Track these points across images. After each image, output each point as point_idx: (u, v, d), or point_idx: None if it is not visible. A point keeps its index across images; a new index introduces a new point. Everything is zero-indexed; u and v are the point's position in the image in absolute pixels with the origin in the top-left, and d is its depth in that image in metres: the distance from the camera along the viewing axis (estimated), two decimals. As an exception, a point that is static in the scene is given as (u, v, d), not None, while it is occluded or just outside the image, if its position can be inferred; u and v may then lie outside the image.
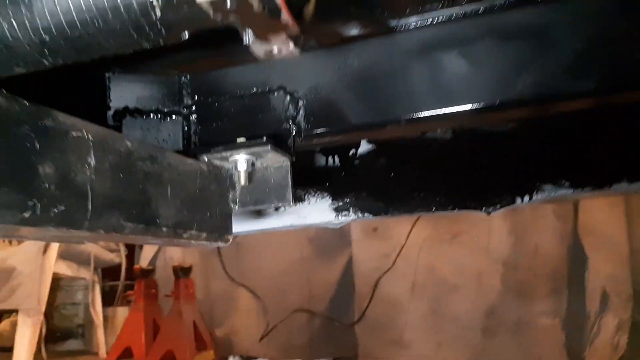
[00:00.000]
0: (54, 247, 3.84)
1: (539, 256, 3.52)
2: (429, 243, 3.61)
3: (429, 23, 1.02)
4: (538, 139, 1.55)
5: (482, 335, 3.60)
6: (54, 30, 0.53)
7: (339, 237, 3.89)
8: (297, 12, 0.51)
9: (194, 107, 1.14)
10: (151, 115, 1.18)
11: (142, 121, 1.16)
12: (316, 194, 1.70)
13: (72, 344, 4.52)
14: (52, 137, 0.66)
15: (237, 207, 1.03)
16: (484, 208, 1.58)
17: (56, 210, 0.64)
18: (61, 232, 0.66)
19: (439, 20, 1.01)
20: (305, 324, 3.99)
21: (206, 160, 0.98)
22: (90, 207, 0.69)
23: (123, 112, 1.16)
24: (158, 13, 0.50)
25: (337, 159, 1.68)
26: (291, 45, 0.54)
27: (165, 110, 1.16)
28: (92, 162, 0.71)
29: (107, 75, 1.19)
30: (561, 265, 3.52)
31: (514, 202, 1.56)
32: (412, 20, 1.04)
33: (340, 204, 1.67)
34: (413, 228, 3.59)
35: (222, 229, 1.01)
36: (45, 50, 0.56)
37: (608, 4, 0.94)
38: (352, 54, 1.06)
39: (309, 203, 1.70)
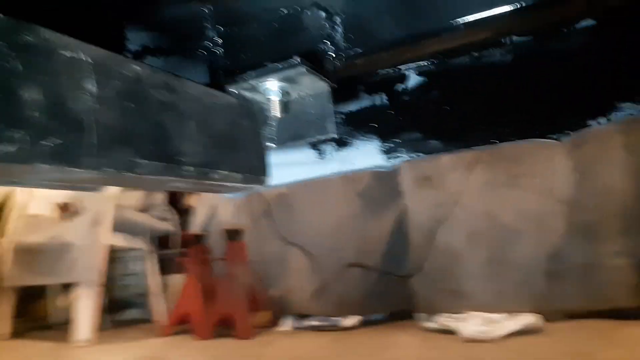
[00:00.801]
0: (107, 220, 3.89)
1: (607, 194, 3.25)
2: (488, 188, 3.40)
3: None
4: (609, 53, 1.35)
5: (546, 280, 3.41)
6: None
7: (389, 190, 3.73)
8: None
9: (219, 40, 1.01)
10: (173, 53, 1.06)
11: (163, 61, 1.04)
12: (364, 137, 1.56)
13: (133, 313, 4.64)
14: (36, 57, 0.54)
15: (273, 144, 0.90)
16: (553, 135, 1.42)
17: (50, 144, 0.53)
18: (60, 171, 0.55)
19: None
20: (359, 279, 3.91)
21: (235, 92, 0.85)
22: (93, 140, 0.58)
23: (142, 53, 1.05)
24: None
25: (384, 96, 1.53)
26: None
27: (188, 46, 1.04)
28: (93, 88, 0.60)
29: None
30: (633, 202, 3.25)
31: (586, 125, 1.38)
32: None
33: (391, 145, 1.53)
34: (470, 173, 3.37)
35: (257, 169, 0.89)
36: None
37: None
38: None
39: (356, 147, 1.57)
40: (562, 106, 1.38)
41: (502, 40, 1.42)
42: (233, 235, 3.79)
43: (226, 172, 0.80)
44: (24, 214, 4.12)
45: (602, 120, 1.32)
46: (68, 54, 0.58)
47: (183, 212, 4.95)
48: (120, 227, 4.03)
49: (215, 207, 4.60)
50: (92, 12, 0.98)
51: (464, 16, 0.93)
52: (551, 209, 3.34)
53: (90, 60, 0.60)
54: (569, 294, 3.35)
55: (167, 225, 4.66)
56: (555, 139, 1.38)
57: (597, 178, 3.25)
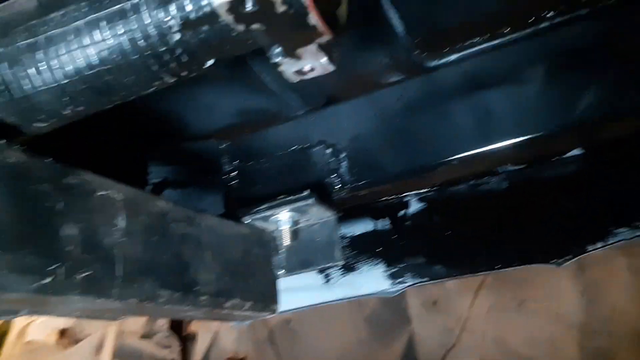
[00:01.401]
0: (108, 347, 3.78)
1: (617, 318, 3.20)
2: (495, 313, 3.35)
3: (471, 55, 0.96)
4: (602, 179, 1.43)
5: (564, 413, 3.23)
6: (72, 71, 0.49)
7: (397, 315, 3.67)
8: (328, 16, 0.46)
9: (234, 173, 1.10)
10: (191, 185, 1.14)
11: (181, 192, 1.12)
12: (368, 261, 1.60)
13: None
14: (76, 197, 0.61)
15: (282, 271, 0.94)
16: (552, 260, 1.45)
17: (82, 276, 0.58)
18: (89, 302, 0.59)
19: (483, 50, 0.96)
20: (368, 412, 3.70)
21: (248, 221, 0.91)
22: (120, 272, 0.63)
23: (162, 185, 1.13)
24: (177, 36, 0.46)
25: (387, 221, 1.59)
26: (324, 58, 0.48)
27: (205, 179, 1.12)
28: (122, 223, 0.66)
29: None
30: (644, 326, 3.17)
31: (584, 251, 1.42)
32: (454, 57, 0.98)
33: (395, 269, 1.56)
34: (476, 297, 3.35)
35: (267, 297, 0.92)
36: (65, 96, 0.52)
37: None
38: (391, 98, 1.01)
39: (361, 272, 1.60)
40: (560, 232, 1.43)
41: (497, 169, 1.50)
42: (236, 363, 3.65)
43: (238, 301, 0.83)
44: (21, 340, 4.02)
45: (600, 245, 1.36)
46: (102, 192, 0.64)
47: (185, 339, 4.82)
48: (121, 354, 3.90)
49: (217, 334, 4.49)
50: (118, 150, 1.08)
51: (459, 153, 1.01)
52: (561, 335, 3.27)
53: (120, 197, 0.67)
54: None
55: (169, 352, 4.51)
56: (556, 264, 1.42)
57: (605, 302, 3.22)
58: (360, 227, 1.60)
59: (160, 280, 0.66)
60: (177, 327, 4.78)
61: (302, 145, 1.05)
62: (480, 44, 0.95)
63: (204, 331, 4.64)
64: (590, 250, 1.42)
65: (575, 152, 1.44)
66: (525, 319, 3.26)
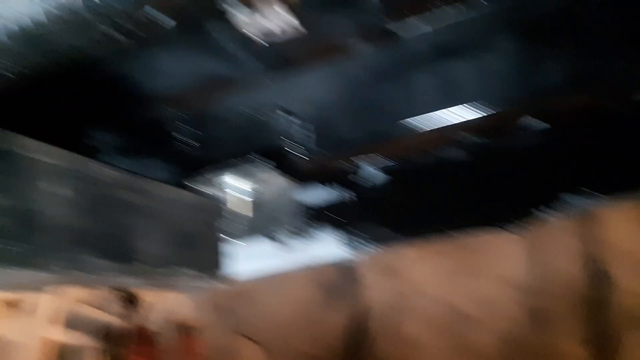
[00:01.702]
0: (56, 316, 3.67)
1: (558, 279, 3.36)
2: (445, 276, 3.45)
3: (439, 22, 0.94)
4: (555, 149, 1.47)
5: (505, 368, 3.41)
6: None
7: (351, 279, 3.73)
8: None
9: (186, 138, 1.04)
10: (140, 151, 1.09)
11: (129, 158, 1.06)
12: (326, 229, 1.60)
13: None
14: (7, 162, 0.55)
15: (232, 239, 0.91)
16: (503, 225, 1.49)
17: (14, 249, 0.53)
18: (22, 274, 0.54)
19: (450, 17, 0.93)
20: (320, 373, 3.78)
21: (198, 188, 0.87)
22: (57, 242, 0.58)
23: (107, 151, 1.06)
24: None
25: (346, 190, 1.59)
26: (292, 18, 0.44)
27: (156, 144, 1.06)
28: (60, 190, 0.60)
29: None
30: (583, 287, 3.35)
31: (534, 215, 1.47)
32: (421, 24, 0.96)
33: (353, 237, 1.57)
34: (427, 261, 3.42)
35: (215, 265, 0.89)
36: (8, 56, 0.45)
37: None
38: (358, 66, 0.98)
39: (319, 239, 1.60)
40: (512, 199, 1.47)
41: (459, 139, 1.52)
42: (185, 329, 3.63)
43: (183, 269, 0.79)
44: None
45: (548, 210, 1.40)
46: (39, 158, 0.59)
47: (137, 306, 4.74)
48: (71, 323, 3.81)
49: (170, 301, 4.44)
50: (61, 115, 1.01)
51: (424, 122, 1.00)
52: (506, 296, 3.40)
53: (59, 163, 0.61)
54: (527, 381, 3.34)
55: (120, 320, 4.43)
56: (507, 229, 1.45)
57: (547, 264, 3.36)
58: (320, 195, 1.59)
59: (98, 250, 0.62)
60: (130, 294, 4.71)
61: (264, 111, 1.00)
62: (448, 12, 0.92)
63: (157, 298, 4.59)
64: (539, 216, 1.46)
65: (532, 123, 1.46)
66: (474, 281, 3.36)
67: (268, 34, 0.40)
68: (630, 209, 3.07)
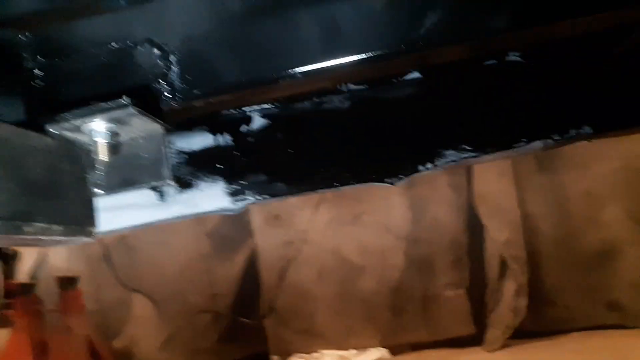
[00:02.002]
0: None
1: (438, 228, 3.58)
2: (333, 225, 3.54)
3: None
4: (435, 104, 1.50)
5: (390, 314, 3.62)
6: None
7: (239, 229, 3.70)
8: None
9: (38, 71, 0.91)
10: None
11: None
12: (207, 178, 1.52)
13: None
14: None
15: (100, 190, 0.82)
16: (387, 180, 1.51)
17: None
18: None
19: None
20: (210, 325, 3.77)
21: (55, 132, 0.77)
22: None
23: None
24: None
25: (228, 137, 1.51)
26: None
27: (0, 77, 0.92)
28: None
29: None
30: (460, 236, 3.61)
31: (417, 170, 1.50)
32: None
33: (236, 187, 1.51)
34: (316, 211, 3.48)
35: (82, 219, 0.80)
36: None
37: None
38: (231, -2, 0.90)
39: (200, 189, 1.52)
40: (395, 152, 1.48)
41: (340, 87, 1.49)
42: (67, 283, 3.43)
43: (43, 225, 0.70)
44: None
45: (430, 166, 1.43)
46: None
47: (8, 258, 4.37)
48: None
49: (45, 252, 4.15)
50: None
51: (302, 66, 0.95)
52: (390, 244, 3.58)
53: None
54: (412, 326, 3.58)
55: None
56: (391, 183, 1.47)
57: (428, 214, 3.57)
58: (199, 141, 1.51)
59: None
60: (7, 251, 4.32)
61: (124, 42, 0.89)
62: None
63: (29, 249, 4.26)
64: (421, 170, 1.50)
65: (414, 75, 1.47)
66: (359, 230, 3.49)
67: None
68: (501, 164, 3.32)
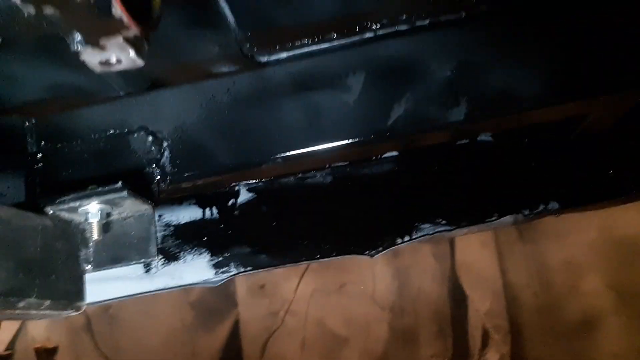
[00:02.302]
0: None
1: (422, 299, 3.60)
2: (317, 296, 3.55)
3: (301, 55, 0.98)
4: (411, 180, 1.58)
5: (374, 388, 3.55)
6: None
7: (223, 299, 3.69)
8: (136, 7, 0.43)
9: (39, 155, 0.98)
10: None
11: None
12: (192, 251, 1.57)
13: None
14: None
15: (90, 266, 0.87)
16: (366, 252, 1.56)
17: None
18: None
19: (312, 53, 0.98)
20: (190, 398, 3.66)
21: (51, 212, 0.83)
22: None
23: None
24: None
25: (214, 210, 1.57)
26: (132, 52, 0.45)
27: (4, 160, 0.99)
28: None
29: None
30: (443, 306, 3.62)
31: (394, 243, 1.56)
32: (284, 55, 1.00)
33: (220, 259, 1.55)
34: (300, 282, 3.50)
35: (71, 294, 0.85)
36: None
37: (469, 34, 0.97)
38: (220, 89, 0.99)
39: (185, 261, 1.56)
40: (374, 225, 1.55)
41: (324, 164, 1.57)
42: (45, 353, 3.36)
43: (35, 300, 0.75)
44: None
45: (407, 238, 1.50)
46: None
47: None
48: None
49: (24, 322, 4.06)
50: None
51: (294, 149, 1.03)
52: (375, 315, 3.58)
53: None
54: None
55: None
56: (370, 255, 1.53)
57: (412, 284, 3.60)
58: (186, 215, 1.56)
59: None
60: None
61: (121, 130, 0.98)
62: (309, 45, 0.98)
63: (16, 323, 4.17)
64: (399, 243, 1.56)
65: (392, 153, 1.56)
66: (344, 301, 3.50)
67: (105, 64, 0.40)
68: (483, 234, 3.40)
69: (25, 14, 0.40)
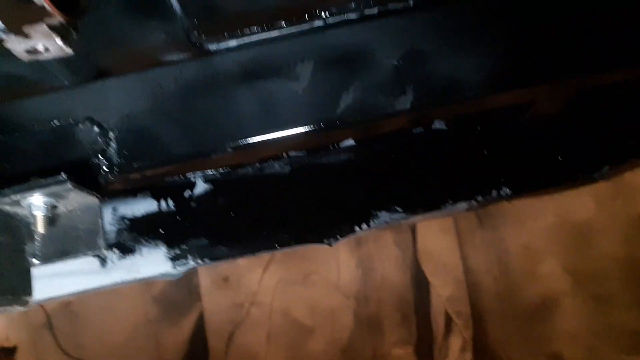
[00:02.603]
0: None
1: (385, 286, 3.65)
2: (282, 286, 3.56)
3: (250, 44, 0.98)
4: (368, 168, 1.60)
5: (341, 376, 3.60)
6: None
7: (187, 292, 3.66)
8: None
9: (-20, 147, 0.96)
10: None
11: None
12: (149, 243, 1.55)
13: None
14: None
15: (37, 260, 0.86)
16: (325, 240, 1.58)
17: None
18: None
19: (261, 41, 0.98)
20: (155, 393, 3.64)
21: (-3, 207, 0.81)
22: None
23: None
24: None
25: (170, 202, 1.56)
26: (58, 40, 0.44)
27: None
28: None
29: None
30: (407, 293, 3.68)
31: (353, 231, 1.58)
32: (233, 43, 0.99)
33: (178, 251, 1.54)
34: (265, 273, 3.50)
35: (18, 289, 0.83)
36: None
37: (416, 23, 0.99)
38: (168, 78, 0.98)
39: (141, 254, 1.54)
40: (332, 214, 1.56)
41: (281, 154, 1.57)
42: (3, 354, 3.29)
43: (-22, 295, 0.74)
44: None
45: (365, 226, 1.52)
46: None
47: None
48: None
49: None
50: None
51: (246, 138, 1.03)
52: (340, 304, 3.62)
53: None
54: (362, 387, 3.57)
55: None
56: (328, 244, 1.54)
57: (376, 272, 3.65)
58: (142, 208, 1.55)
59: None
60: None
61: (65, 120, 0.96)
62: (258, 33, 0.98)
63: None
64: (357, 231, 1.58)
65: (348, 142, 1.58)
66: (309, 291, 3.52)
67: (32, 52, 0.39)
68: (443, 221, 3.47)
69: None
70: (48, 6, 0.40)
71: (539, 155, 1.56)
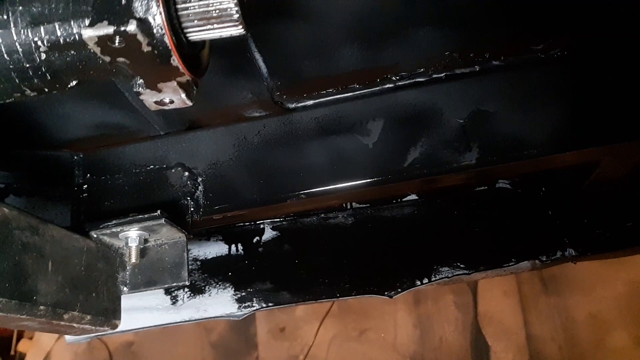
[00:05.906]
0: None
1: (444, 348, 3.55)
2: (338, 341, 3.53)
3: (325, 102, 1.08)
4: (431, 223, 1.63)
5: None
6: None
7: (244, 341, 3.70)
8: (189, 58, 0.52)
9: (85, 186, 1.09)
10: (38, 194, 1.11)
11: (27, 200, 1.08)
12: (218, 285, 1.63)
13: None
14: None
15: (126, 288, 0.95)
16: (386, 292, 1.60)
17: None
18: None
19: (335, 101, 1.08)
20: None
21: (95, 236, 0.92)
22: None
23: (5, 191, 1.08)
24: (43, 56, 0.49)
25: (240, 246, 1.65)
26: (183, 94, 0.54)
27: (54, 189, 1.10)
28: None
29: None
30: (465, 357, 3.56)
31: (414, 284, 1.59)
32: (310, 102, 1.09)
33: (243, 294, 1.62)
34: (321, 326, 3.51)
35: (109, 312, 0.92)
36: None
37: (482, 85, 1.05)
38: (251, 132, 1.09)
39: (210, 294, 1.63)
40: (394, 267, 1.59)
41: (345, 205, 1.64)
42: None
43: (78, 313, 0.83)
44: None
45: (426, 281, 1.54)
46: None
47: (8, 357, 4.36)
48: None
49: (49, 355, 4.13)
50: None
51: (310, 188, 1.12)
52: (396, 363, 3.54)
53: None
54: None
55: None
56: (389, 296, 1.57)
57: (434, 333, 3.57)
58: (214, 251, 1.64)
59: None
60: (4, 347, 4.31)
61: (159, 165, 1.08)
62: (333, 94, 1.07)
63: (34, 351, 4.24)
64: (418, 285, 1.60)
65: (412, 196, 1.62)
66: (364, 347, 3.48)
67: (159, 104, 0.48)
68: (506, 284, 3.38)
69: (100, 62, 0.50)
70: (182, 67, 0.50)
71: (605, 218, 1.55)
